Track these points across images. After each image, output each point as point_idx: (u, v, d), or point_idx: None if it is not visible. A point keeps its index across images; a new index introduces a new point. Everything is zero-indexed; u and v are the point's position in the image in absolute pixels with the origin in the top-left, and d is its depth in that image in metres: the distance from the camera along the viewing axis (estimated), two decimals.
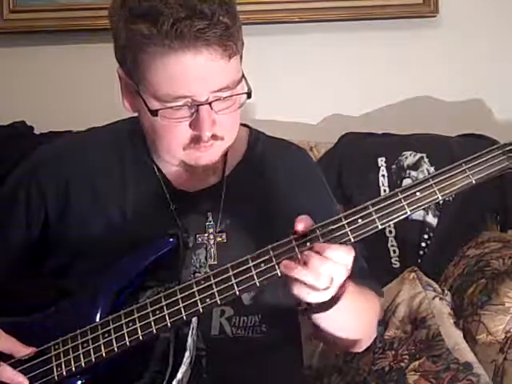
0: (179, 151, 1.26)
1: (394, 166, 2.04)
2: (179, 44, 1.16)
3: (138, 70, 1.22)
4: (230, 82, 1.22)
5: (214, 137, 1.25)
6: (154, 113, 1.22)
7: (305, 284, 1.12)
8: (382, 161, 2.05)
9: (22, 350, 1.25)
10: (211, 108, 1.21)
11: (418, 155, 2.03)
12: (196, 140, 1.24)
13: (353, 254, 1.13)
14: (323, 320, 1.24)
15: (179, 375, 1.20)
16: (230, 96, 1.23)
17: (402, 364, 1.53)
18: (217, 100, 1.21)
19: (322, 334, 1.31)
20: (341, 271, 1.12)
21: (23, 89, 2.30)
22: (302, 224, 1.14)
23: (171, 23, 1.15)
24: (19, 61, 2.31)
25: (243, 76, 1.26)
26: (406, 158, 2.03)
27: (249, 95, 1.25)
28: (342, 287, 1.18)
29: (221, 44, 1.17)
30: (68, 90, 2.29)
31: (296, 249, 1.14)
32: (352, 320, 1.31)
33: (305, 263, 1.12)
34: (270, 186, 1.39)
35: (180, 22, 1.14)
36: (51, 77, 2.30)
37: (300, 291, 1.13)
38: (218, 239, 1.34)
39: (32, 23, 2.26)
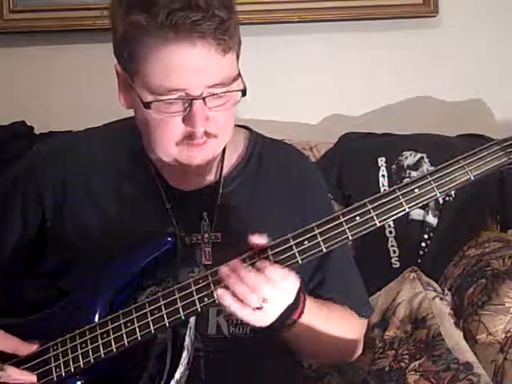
0: (172, 147, 1.26)
1: (393, 166, 2.04)
2: (173, 35, 1.16)
3: (133, 62, 1.22)
4: (225, 78, 1.21)
5: (208, 134, 1.25)
6: (147, 105, 1.21)
7: (235, 297, 1.14)
8: (382, 161, 2.05)
9: (24, 349, 1.26)
10: (205, 103, 1.21)
11: (418, 155, 2.03)
12: (189, 136, 1.24)
13: (291, 280, 1.15)
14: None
15: (177, 375, 1.20)
16: (225, 92, 1.22)
17: (402, 364, 1.53)
18: (211, 96, 1.21)
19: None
20: (274, 293, 1.14)
21: (23, 89, 2.30)
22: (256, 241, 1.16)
23: (166, 14, 1.15)
24: (19, 61, 2.30)
25: (239, 74, 1.26)
26: (406, 158, 2.03)
27: (244, 93, 1.25)
28: (295, 314, 1.21)
29: (215, 37, 1.17)
30: (68, 89, 2.29)
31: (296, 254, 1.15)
32: (312, 344, 1.34)
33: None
34: (267, 188, 1.39)
35: (175, 13, 1.15)
36: (51, 77, 2.30)
37: (231, 304, 1.15)
38: (213, 239, 1.34)
39: (32, 23, 2.26)
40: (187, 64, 1.18)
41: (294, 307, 1.20)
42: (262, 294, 1.13)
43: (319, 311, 1.31)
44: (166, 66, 1.19)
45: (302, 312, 1.22)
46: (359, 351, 1.47)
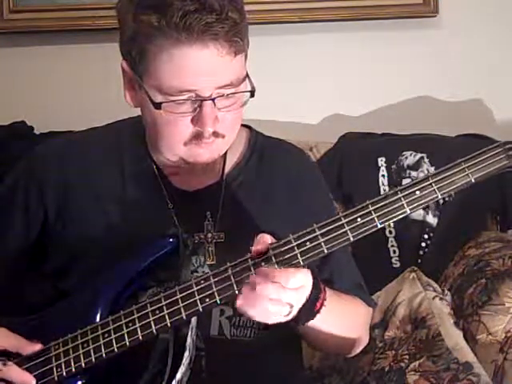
0: (180, 147, 1.26)
1: (394, 166, 2.04)
2: (187, 36, 1.17)
3: (143, 62, 1.22)
4: (235, 79, 1.22)
5: (216, 134, 1.25)
6: (158, 105, 1.22)
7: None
8: (382, 161, 2.05)
9: (27, 348, 1.26)
10: (214, 104, 1.21)
11: (418, 155, 2.03)
12: (197, 136, 1.24)
13: (299, 276, 1.15)
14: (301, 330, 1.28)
15: (178, 375, 1.20)
16: (234, 93, 1.23)
17: (402, 364, 1.53)
18: (220, 96, 1.22)
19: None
20: (292, 294, 1.14)
21: (23, 89, 2.30)
22: (259, 246, 1.16)
23: (180, 15, 1.16)
24: (19, 61, 2.30)
25: (247, 75, 1.26)
26: (406, 158, 2.03)
27: (252, 94, 1.26)
28: (315, 305, 1.21)
29: (228, 39, 1.18)
30: (68, 89, 2.29)
31: (298, 255, 1.15)
32: (330, 331, 1.33)
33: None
34: (269, 187, 1.39)
35: (189, 14, 1.15)
36: (51, 77, 2.29)
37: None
38: (217, 239, 1.34)
39: (32, 23, 2.26)
40: (199, 65, 1.19)
41: (317, 293, 1.21)
42: (285, 301, 1.14)
43: (337, 298, 1.32)
44: (177, 67, 1.19)
45: (324, 298, 1.23)
46: (366, 341, 1.47)
